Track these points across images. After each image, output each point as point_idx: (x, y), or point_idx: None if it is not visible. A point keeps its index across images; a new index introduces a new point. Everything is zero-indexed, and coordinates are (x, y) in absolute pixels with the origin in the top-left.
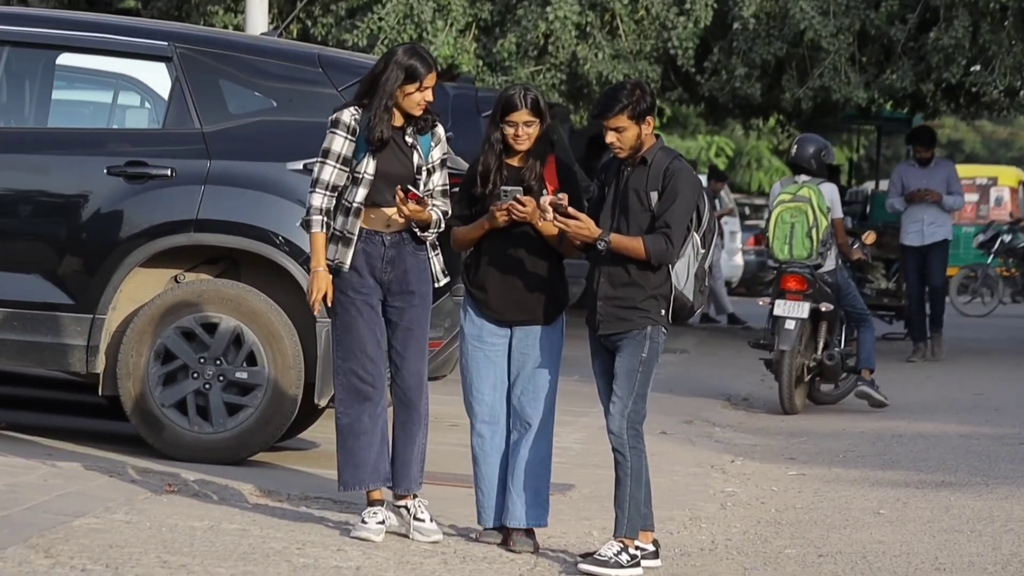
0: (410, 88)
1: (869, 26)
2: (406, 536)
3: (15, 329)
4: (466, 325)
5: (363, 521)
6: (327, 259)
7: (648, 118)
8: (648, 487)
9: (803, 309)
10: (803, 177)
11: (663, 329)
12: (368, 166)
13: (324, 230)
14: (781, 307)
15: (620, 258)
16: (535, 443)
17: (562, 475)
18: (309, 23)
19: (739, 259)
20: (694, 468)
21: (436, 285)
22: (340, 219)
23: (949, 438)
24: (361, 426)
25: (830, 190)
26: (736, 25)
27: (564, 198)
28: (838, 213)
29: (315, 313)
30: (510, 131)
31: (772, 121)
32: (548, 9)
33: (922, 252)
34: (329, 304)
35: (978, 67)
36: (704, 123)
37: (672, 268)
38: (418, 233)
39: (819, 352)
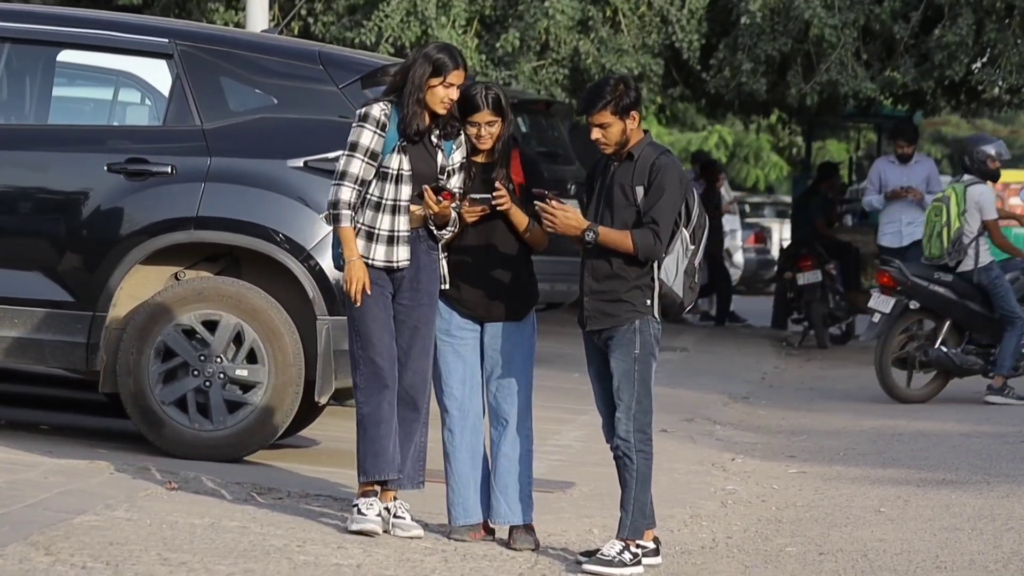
0: (434, 81)
1: (873, 21)
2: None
3: (15, 326)
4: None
5: (360, 512)
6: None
7: (633, 113)
8: None
9: (887, 304)
10: (967, 177)
11: (653, 320)
12: (402, 163)
13: (352, 224)
14: (874, 300)
15: (605, 251)
16: (514, 440)
17: (562, 473)
18: (310, 20)
19: (739, 257)
20: (695, 466)
21: (443, 286)
22: (372, 216)
23: (950, 436)
24: (382, 414)
25: (979, 192)
26: (743, 19)
27: (556, 201)
28: (990, 215)
29: (357, 304)
30: (473, 131)
31: (773, 117)
32: (547, 3)
33: (900, 253)
34: (369, 293)
35: (980, 64)
36: (704, 118)
37: (660, 263)
38: (435, 232)
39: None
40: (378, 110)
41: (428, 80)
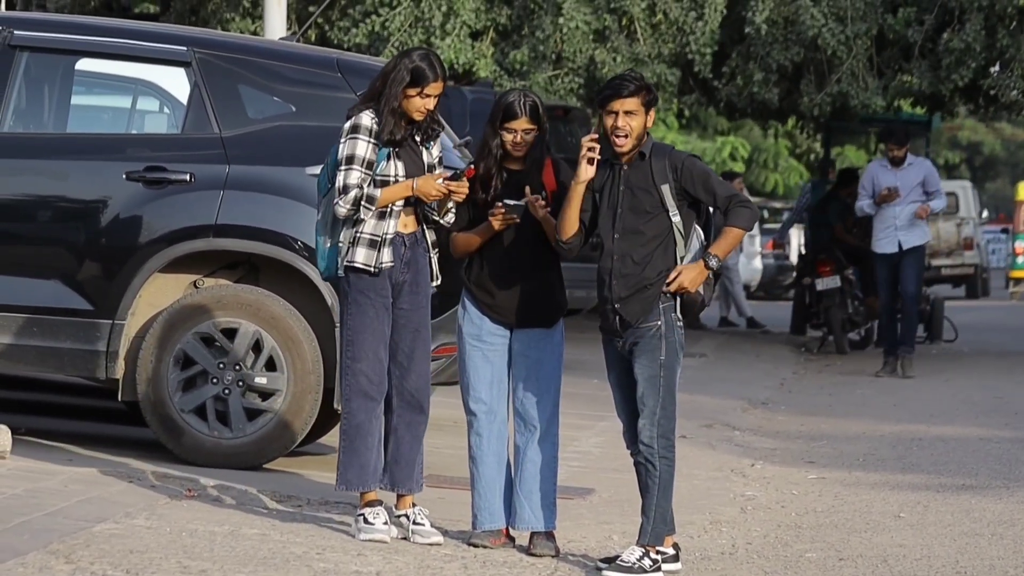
0: (412, 91)
1: (887, 30)
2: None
3: (35, 334)
4: (465, 324)
5: (367, 521)
6: (360, 263)
7: (652, 111)
8: None
9: None
10: None
11: (677, 326)
12: (398, 169)
13: (379, 192)
14: None
15: (627, 256)
16: (541, 446)
17: (581, 479)
18: (327, 28)
19: (758, 263)
20: (714, 472)
21: (435, 283)
22: (376, 224)
23: (969, 441)
24: (368, 427)
25: None
26: (749, 31)
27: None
28: None
29: (446, 196)
30: (509, 138)
31: (791, 124)
32: (561, 20)
33: (895, 260)
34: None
35: (996, 68)
36: (724, 121)
37: (680, 261)
38: (440, 220)
39: None
40: (368, 119)
41: (406, 89)
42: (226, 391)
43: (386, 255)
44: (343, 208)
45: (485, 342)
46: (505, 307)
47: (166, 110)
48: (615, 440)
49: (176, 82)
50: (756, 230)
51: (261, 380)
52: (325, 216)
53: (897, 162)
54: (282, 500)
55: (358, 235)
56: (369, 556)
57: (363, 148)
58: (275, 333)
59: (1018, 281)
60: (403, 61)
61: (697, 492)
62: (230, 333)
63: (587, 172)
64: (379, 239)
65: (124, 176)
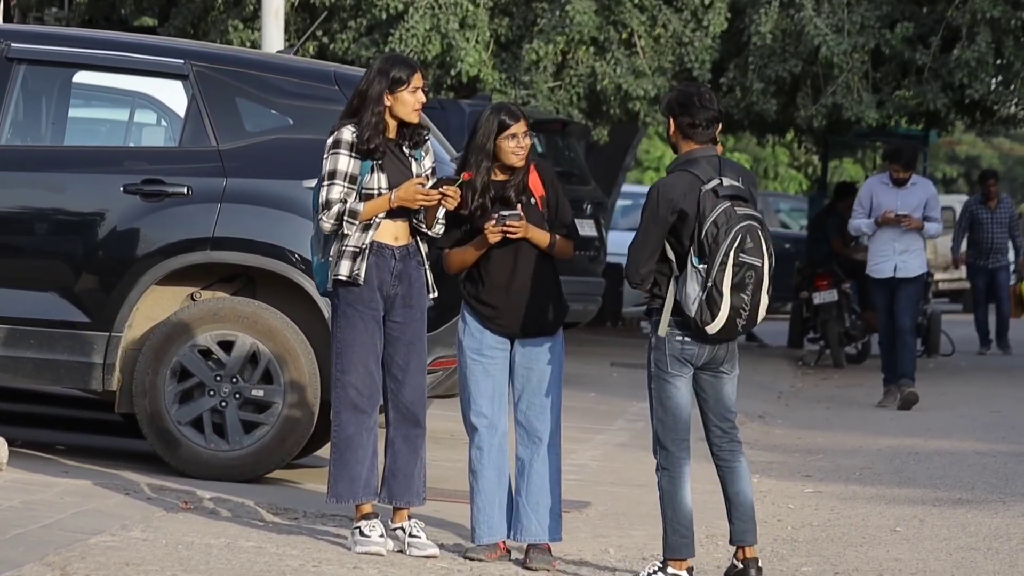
0: (400, 90)
1: (884, 46)
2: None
3: (32, 347)
4: (465, 338)
5: (363, 534)
6: (343, 276)
7: (670, 119)
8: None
9: None
10: None
11: (673, 339)
12: (381, 181)
13: (360, 207)
14: None
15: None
16: (546, 458)
17: (578, 492)
18: (326, 40)
19: None
20: (710, 485)
21: (432, 295)
22: (360, 236)
23: (966, 456)
24: (359, 440)
25: None
26: (755, 40)
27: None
28: None
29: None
30: (512, 144)
31: (789, 136)
32: (568, 8)
33: (892, 286)
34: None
35: (996, 81)
36: (720, 136)
37: (674, 283)
38: (429, 232)
39: None
40: (349, 133)
41: (392, 94)
42: (223, 403)
43: (364, 265)
44: (327, 223)
45: (486, 356)
46: (507, 318)
47: (163, 123)
48: (612, 453)
49: (173, 95)
50: None
51: (258, 392)
52: (317, 233)
53: (900, 182)
54: (278, 513)
55: (343, 249)
56: (365, 569)
57: (344, 163)
58: (272, 345)
59: None
60: (374, 71)
61: (693, 505)
62: (227, 345)
63: None
64: (359, 250)
65: (121, 189)
